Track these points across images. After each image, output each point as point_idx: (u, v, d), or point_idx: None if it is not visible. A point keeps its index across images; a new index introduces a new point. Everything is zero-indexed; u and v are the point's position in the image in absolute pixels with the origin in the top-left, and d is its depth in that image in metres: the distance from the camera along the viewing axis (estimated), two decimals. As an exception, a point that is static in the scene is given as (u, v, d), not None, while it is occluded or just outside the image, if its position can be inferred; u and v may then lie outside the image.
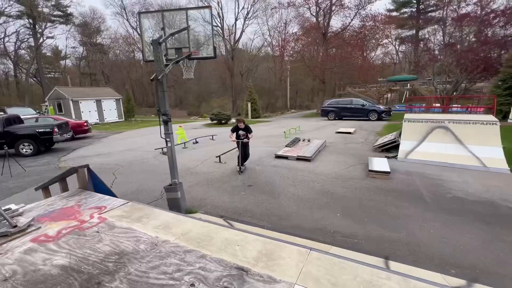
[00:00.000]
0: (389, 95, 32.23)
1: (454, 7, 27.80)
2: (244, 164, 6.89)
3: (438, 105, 17.16)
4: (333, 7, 25.93)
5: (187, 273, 1.72)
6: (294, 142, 9.39)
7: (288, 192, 5.26)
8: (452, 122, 7.20)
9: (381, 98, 28.14)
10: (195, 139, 11.01)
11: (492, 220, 3.86)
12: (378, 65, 36.57)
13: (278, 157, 7.84)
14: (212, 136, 11.85)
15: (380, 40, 30.26)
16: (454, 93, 18.46)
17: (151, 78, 3.61)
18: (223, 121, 18.65)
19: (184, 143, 10.22)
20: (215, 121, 18.76)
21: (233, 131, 6.73)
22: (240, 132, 6.63)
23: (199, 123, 21.30)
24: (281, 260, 1.86)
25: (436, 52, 22.45)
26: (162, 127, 3.99)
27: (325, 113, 19.13)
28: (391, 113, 17.61)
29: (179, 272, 1.73)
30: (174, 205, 4.19)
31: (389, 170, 5.83)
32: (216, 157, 7.71)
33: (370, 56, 35.08)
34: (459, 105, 16.90)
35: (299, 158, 7.54)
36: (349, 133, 11.78)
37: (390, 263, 2.91)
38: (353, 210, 4.36)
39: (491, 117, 6.97)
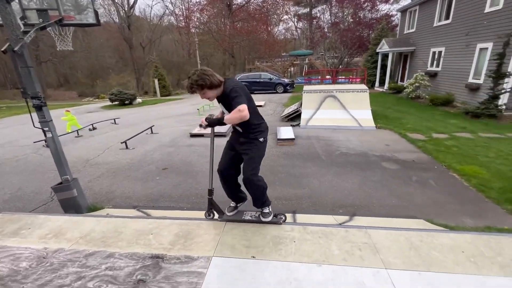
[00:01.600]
0: (292, 69, 35.49)
1: (337, -11, 31.93)
2: None
3: (329, 77, 20.14)
4: (235, -22, 25.41)
5: (91, 279, 1.52)
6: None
7: (206, 169, 5.24)
8: (338, 91, 8.63)
9: (285, 72, 30.70)
10: (92, 124, 9.33)
11: (365, 167, 5.03)
12: (282, 41, 39.20)
13: (194, 135, 7.62)
14: (114, 119, 10.30)
15: (281, 16, 32.12)
16: (340, 67, 21.99)
17: (2, 50, 2.71)
18: (126, 102, 16.37)
19: (77, 130, 8.51)
20: (116, 102, 16.24)
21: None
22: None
23: (95, 105, 18.00)
24: (199, 238, 1.88)
25: (326, 30, 25.77)
26: (34, 114, 3.15)
27: (237, 88, 19.46)
28: (294, 85, 19.56)
29: (80, 280, 1.52)
30: (71, 206, 3.54)
31: (293, 137, 6.62)
32: (122, 143, 6.81)
33: (274, 32, 37.08)
34: (344, 77, 20.26)
35: (216, 135, 7.52)
36: (260, 106, 12.50)
37: (297, 216, 3.42)
38: (266, 177, 4.76)
39: (363, 86, 8.73)
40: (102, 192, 4.50)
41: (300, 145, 6.52)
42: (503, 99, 8.36)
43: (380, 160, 5.34)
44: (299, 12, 44.99)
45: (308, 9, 43.71)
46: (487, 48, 9.30)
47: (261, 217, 2.32)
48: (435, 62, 12.61)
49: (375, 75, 17.94)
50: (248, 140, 2.40)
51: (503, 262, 1.61)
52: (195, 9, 28.15)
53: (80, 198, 3.65)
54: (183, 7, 35.17)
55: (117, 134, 8.34)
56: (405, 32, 15.83)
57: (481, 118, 8.06)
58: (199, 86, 2.14)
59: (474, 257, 1.67)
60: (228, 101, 2.19)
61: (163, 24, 39.07)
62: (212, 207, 2.58)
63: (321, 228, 1.97)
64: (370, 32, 21.06)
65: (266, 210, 2.39)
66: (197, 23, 28.33)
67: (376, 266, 1.58)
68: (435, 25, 12.53)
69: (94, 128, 9.19)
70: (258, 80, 18.84)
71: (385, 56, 16.80)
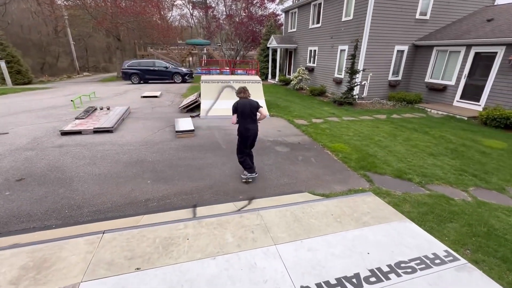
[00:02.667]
0: (190, 58, 34.15)
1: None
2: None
3: (227, 68, 20.55)
4: None
5: None
6: (88, 112, 7.65)
7: (85, 173, 4.32)
8: (235, 82, 8.88)
9: (183, 61, 29.20)
10: None
11: (261, 152, 5.41)
12: (177, 27, 36.76)
13: (66, 133, 6.10)
14: None
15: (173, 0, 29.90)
16: (237, 58, 22.83)
17: None
18: None
19: None
20: None
21: (236, 110, 4.02)
22: None
23: None
24: (61, 263, 1.46)
25: (221, 21, 25.97)
26: None
27: (127, 76, 17.00)
28: (193, 75, 18.90)
29: None
30: None
31: (193, 128, 6.36)
32: None
33: (168, 16, 34.26)
34: (241, 69, 21.13)
35: (97, 131, 6.30)
36: (156, 96, 11.39)
37: (197, 210, 3.30)
38: (164, 173, 4.41)
39: (257, 78, 9.34)
40: None
41: (201, 136, 6.36)
42: (356, 90, 10.88)
43: (274, 144, 5.89)
44: (193, 0, 43.43)
45: (202, -3, 42.84)
46: (345, 50, 11.77)
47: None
48: (311, 59, 14.97)
49: (268, 68, 19.66)
50: None
51: (357, 217, 2.03)
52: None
53: None
54: (39, -32, 27.11)
55: None
56: (289, 31, 17.95)
57: (344, 106, 10.24)
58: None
59: (339, 217, 2.03)
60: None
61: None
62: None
63: (217, 218, 1.93)
64: (261, 27, 22.74)
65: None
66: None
67: (266, 245, 1.67)
68: (310, 27, 14.77)
69: None
70: (151, 68, 17.07)
71: (274, 51, 18.60)
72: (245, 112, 3.91)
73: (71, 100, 8.88)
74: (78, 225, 2.93)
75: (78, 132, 6.18)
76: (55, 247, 1.58)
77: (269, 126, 7.33)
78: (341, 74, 12.14)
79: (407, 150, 5.62)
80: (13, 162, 4.63)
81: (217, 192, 3.87)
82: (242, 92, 4.01)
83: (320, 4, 13.51)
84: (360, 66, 10.58)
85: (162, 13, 29.84)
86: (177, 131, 6.16)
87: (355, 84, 10.25)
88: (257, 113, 4.05)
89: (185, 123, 6.75)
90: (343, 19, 11.61)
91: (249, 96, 4.07)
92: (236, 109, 3.92)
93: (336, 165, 4.91)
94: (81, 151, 5.18)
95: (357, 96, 10.68)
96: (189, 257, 1.54)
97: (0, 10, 27.69)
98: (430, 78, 10.83)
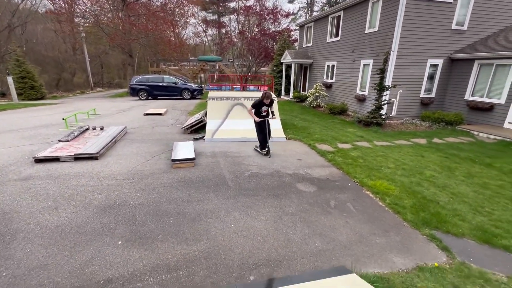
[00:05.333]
0: (202, 74, 33.97)
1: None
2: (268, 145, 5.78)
3: (239, 84, 19.73)
4: (129, -35, 21.90)
5: None
6: (76, 132, 6.64)
7: (38, 224, 3.12)
8: (246, 99, 7.76)
9: (195, 77, 28.88)
10: None
11: (279, 192, 4.10)
12: (190, 45, 37.11)
13: (40, 160, 5.02)
14: None
15: (187, 18, 30.16)
16: (249, 74, 22.08)
17: None
18: None
19: None
20: None
21: (254, 106, 5.53)
22: (264, 108, 5.55)
23: None
24: None
25: (234, 38, 25.63)
26: None
27: (135, 92, 16.38)
28: (203, 91, 18.13)
29: None
30: None
31: (193, 156, 5.14)
32: None
33: (181, 34, 34.67)
34: (253, 85, 20.28)
35: (78, 157, 5.21)
36: (160, 114, 10.42)
37: (179, 314, 1.98)
38: (145, 226, 3.16)
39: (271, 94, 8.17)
40: None
41: (203, 165, 5.12)
42: (384, 109, 9.52)
43: (295, 180, 4.55)
44: (207, 18, 44.32)
45: (216, 16, 43.63)
46: (369, 64, 10.55)
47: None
48: (329, 74, 13.83)
49: (281, 84, 18.66)
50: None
51: None
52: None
53: None
54: (60, -11, 28.16)
55: None
56: (304, 46, 17.05)
57: (371, 126, 8.86)
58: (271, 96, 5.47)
59: None
60: (272, 103, 5.67)
61: (32, 8, 30.15)
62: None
63: None
64: (274, 43, 22.07)
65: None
66: (78, 10, 22.97)
67: None
68: (327, 41, 13.76)
69: None
70: (160, 84, 16.40)
71: (288, 66, 17.66)
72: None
73: (63, 119, 7.96)
74: None
75: (56, 159, 5.09)
76: None
77: (286, 152, 6.04)
78: (364, 91, 10.86)
79: (477, 193, 4.14)
80: (-47, 203, 3.52)
81: (216, 267, 2.55)
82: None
83: (339, 16, 12.53)
84: (388, 82, 9.29)
85: (177, 30, 30.09)
86: (173, 160, 4.95)
87: (384, 102, 8.91)
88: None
89: (184, 149, 5.57)
90: (367, 31, 10.49)
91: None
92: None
93: (386, 217, 3.49)
94: (48, 188, 4.04)
95: (385, 116, 9.29)
96: None
97: (20, 28, 28.60)
98: (471, 95, 9.34)
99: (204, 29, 45.75)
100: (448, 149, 6.48)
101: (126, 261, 2.59)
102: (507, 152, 6.23)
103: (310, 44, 15.96)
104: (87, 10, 22.64)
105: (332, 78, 13.53)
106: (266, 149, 5.69)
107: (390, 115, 9.77)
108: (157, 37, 22.49)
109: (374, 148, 6.48)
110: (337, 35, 12.86)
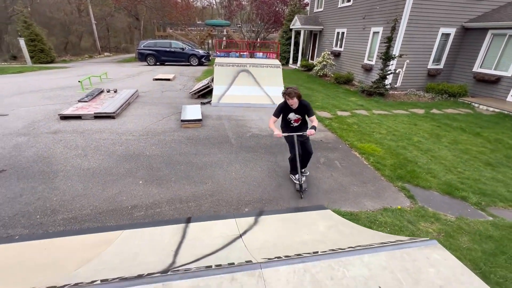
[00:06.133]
0: (210, 40, 33.09)
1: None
2: (305, 171, 3.79)
3: (246, 51, 19.43)
4: None
5: None
6: (93, 94, 7.16)
7: (73, 166, 3.78)
8: (252, 66, 7.98)
9: (203, 43, 28.27)
10: None
11: (276, 150, 4.63)
12: (197, 7, 35.58)
13: (65, 117, 5.63)
14: None
15: (194, -23, 28.57)
16: (257, 40, 21.55)
17: None
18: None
19: None
20: None
21: (275, 113, 3.37)
22: (292, 115, 3.39)
23: None
24: None
25: (243, 1, 24.47)
26: None
27: (143, 57, 16.50)
28: (210, 57, 18.05)
29: None
30: None
31: (200, 117, 5.65)
32: None
33: (188, -5, 33.09)
34: (262, 51, 19.94)
35: (98, 116, 5.79)
36: (168, 79, 10.76)
37: (189, 227, 2.62)
38: (160, 171, 3.78)
39: (276, 62, 8.35)
40: None
41: (209, 126, 5.64)
42: (389, 79, 9.57)
43: (291, 141, 5.05)
44: (215, -23, 41.63)
45: (224, -25, 40.94)
46: (378, 32, 10.33)
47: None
48: (339, 42, 13.53)
49: (289, 52, 18.31)
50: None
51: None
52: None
53: None
54: None
55: None
56: (314, 11, 16.37)
57: (373, 96, 9.04)
58: (297, 95, 3.22)
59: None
60: (306, 111, 3.37)
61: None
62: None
63: (192, 281, 1.21)
64: (285, 7, 21.11)
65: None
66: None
67: None
68: (339, 6, 13.22)
69: None
70: (167, 49, 16.40)
71: (297, 33, 17.16)
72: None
73: (79, 81, 8.45)
74: (39, 240, 2.36)
75: (78, 117, 5.69)
76: None
77: (287, 117, 6.45)
78: (372, 60, 10.78)
79: (456, 157, 4.57)
80: (0, 149, 4.20)
81: (218, 202, 3.18)
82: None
83: (353, -22, 11.91)
84: (396, 51, 9.21)
85: (183, -9, 28.76)
86: (182, 120, 5.48)
87: (389, 72, 8.96)
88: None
89: (192, 111, 6.05)
90: (380, -5, 10.09)
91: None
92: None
93: (367, 172, 4.02)
94: (76, 139, 4.67)
95: (389, 86, 9.39)
96: None
97: (25, -13, 27.86)
98: (480, 67, 9.24)
99: (212, -10, 43.29)
100: (443, 119, 6.75)
101: (147, 195, 3.24)
102: (500, 124, 6.48)
103: (321, 9, 15.34)
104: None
105: (341, 47, 13.28)
106: (297, 176, 3.35)
107: (395, 86, 9.84)
108: (163, -1, 21.78)
109: (371, 116, 6.81)
110: (349, -1, 12.35)
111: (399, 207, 3.18)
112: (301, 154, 3.40)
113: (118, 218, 2.83)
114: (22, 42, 15.14)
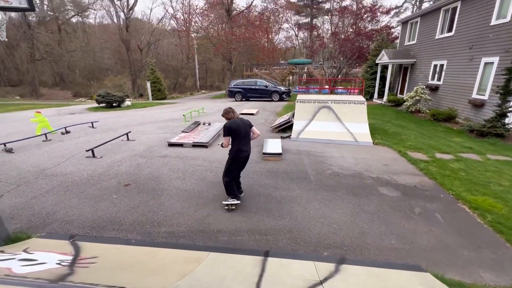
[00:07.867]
0: (291, 77, 35.09)
1: (338, 0, 31.86)
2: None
3: (327, 87, 19.57)
4: (236, -17, 25.10)
5: None
6: (192, 126, 8.54)
7: (175, 187, 4.50)
8: (334, 102, 7.97)
9: (284, 80, 30.23)
10: (65, 128, 8.54)
11: (359, 192, 4.30)
12: (281, 49, 38.95)
13: (172, 145, 6.87)
14: (92, 123, 9.53)
15: (281, 24, 31.85)
16: (339, 76, 21.51)
17: None
18: (114, 104, 15.62)
19: (46, 134, 7.73)
20: (103, 104, 15.48)
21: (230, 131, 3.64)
22: None
23: (82, 106, 17.20)
24: None
25: (325, 39, 25.43)
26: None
27: (232, 94, 18.85)
28: (291, 94, 18.98)
29: None
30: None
31: (281, 151, 5.89)
32: (87, 150, 6.04)
33: (274, 39, 36.90)
34: (342, 87, 19.70)
35: (195, 145, 6.81)
36: (252, 114, 11.81)
37: (268, 262, 2.66)
38: (242, 201, 4.05)
39: (360, 98, 8.08)
40: (42, 213, 3.72)
41: (288, 160, 5.79)
42: (510, 118, 7.74)
43: (377, 183, 4.61)
44: (300, 22, 45.18)
45: (309, 19, 43.91)
46: (492, 63, 8.73)
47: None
48: (436, 75, 12.06)
49: (374, 86, 17.40)
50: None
51: None
52: (195, 13, 27.82)
53: (-5, 226, 2.87)
54: (184, 11, 34.92)
55: (90, 139, 7.57)
56: (405, 44, 15.37)
57: (487, 137, 7.41)
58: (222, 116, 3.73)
59: None
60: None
61: (163, 27, 38.74)
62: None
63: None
64: (370, 43, 20.67)
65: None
66: (194, 27, 27.95)
67: None
68: (437, 37, 12.03)
69: (67, 132, 8.40)
70: (253, 87, 18.24)
71: (384, 67, 16.30)
72: (241, 132, 3.62)
73: (183, 115, 10.28)
74: (149, 247, 2.85)
75: (180, 145, 6.85)
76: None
77: (371, 157, 5.99)
78: (483, 95, 9.07)
79: None
80: (128, 167, 5.44)
81: (296, 240, 3.13)
82: (231, 112, 3.71)
83: (454, 8, 10.82)
84: (518, 84, 7.51)
85: (270, 36, 32.33)
86: (264, 153, 5.84)
87: (510, 109, 7.29)
88: (251, 132, 3.82)
89: (273, 144, 6.39)
90: (493, 22, 8.73)
91: (238, 116, 3.77)
92: (230, 130, 3.58)
93: (482, 234, 3.21)
94: (177, 164, 5.60)
95: (511, 126, 7.57)
96: None
97: (155, 44, 37.11)
98: None
99: (296, 32, 46.81)
100: None
101: (230, 221, 3.50)
102: None
103: (414, 42, 14.29)
104: (201, 26, 27.37)
105: (439, 80, 11.78)
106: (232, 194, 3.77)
107: (518, 125, 7.86)
108: (253, 44, 24.88)
109: (485, 162, 5.56)
110: (450, 30, 11.13)
111: (539, 290, 2.37)
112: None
113: (205, 239, 3.15)
114: (148, 84, 19.84)
